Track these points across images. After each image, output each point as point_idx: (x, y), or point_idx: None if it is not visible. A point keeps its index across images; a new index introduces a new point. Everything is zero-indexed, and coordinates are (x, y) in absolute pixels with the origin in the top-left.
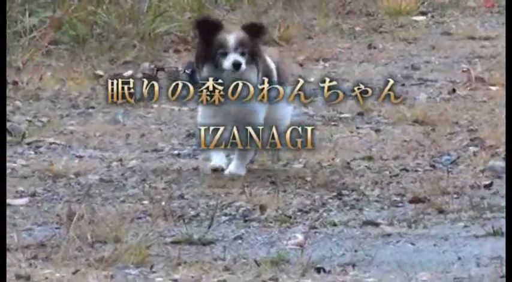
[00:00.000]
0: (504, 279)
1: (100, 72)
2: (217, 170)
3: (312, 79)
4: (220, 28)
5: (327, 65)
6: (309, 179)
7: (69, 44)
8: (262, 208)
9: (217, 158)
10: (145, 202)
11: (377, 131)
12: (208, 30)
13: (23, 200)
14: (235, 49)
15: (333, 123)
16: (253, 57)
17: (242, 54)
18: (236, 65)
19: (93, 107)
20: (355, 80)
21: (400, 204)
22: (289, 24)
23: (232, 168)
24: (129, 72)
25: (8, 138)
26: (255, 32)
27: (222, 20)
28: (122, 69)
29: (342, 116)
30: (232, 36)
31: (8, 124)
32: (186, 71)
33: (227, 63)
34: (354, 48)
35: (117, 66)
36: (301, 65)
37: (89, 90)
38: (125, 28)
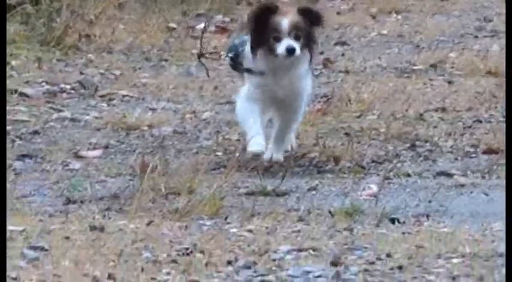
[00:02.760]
0: None
1: (173, 25)
2: (257, 155)
3: (385, 31)
4: (275, 11)
5: (399, 17)
6: (382, 130)
7: None
8: (336, 159)
9: (256, 142)
10: (219, 153)
11: (450, 82)
12: (262, 13)
13: (97, 152)
14: (290, 33)
15: (406, 75)
16: (308, 41)
17: (296, 38)
18: (290, 50)
19: (166, 60)
20: (428, 32)
21: (474, 155)
22: None
23: (272, 153)
24: (202, 25)
25: (82, 90)
26: (311, 17)
27: (277, 1)
28: (194, 22)
29: (416, 67)
30: (286, 20)
31: (81, 77)
32: (229, 54)
33: (281, 48)
34: (426, 0)
35: (189, 18)
36: (373, 17)
37: (161, 43)
38: None
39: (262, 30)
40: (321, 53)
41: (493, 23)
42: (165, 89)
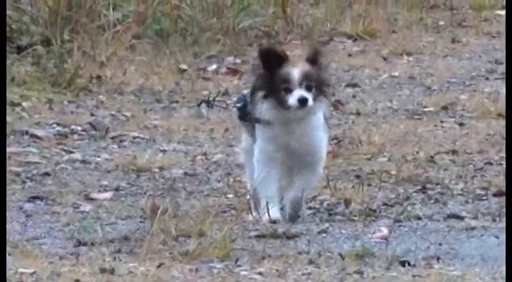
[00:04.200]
0: None
1: (184, 67)
2: (275, 223)
3: (396, 73)
4: (285, 61)
5: (410, 59)
6: (393, 172)
7: (152, 38)
8: (347, 202)
9: (274, 211)
10: (230, 196)
11: (461, 124)
12: (272, 62)
13: (107, 194)
14: (301, 84)
15: (417, 117)
16: (321, 89)
17: (308, 88)
18: (302, 101)
19: (176, 101)
20: (439, 74)
21: (484, 198)
22: (373, 18)
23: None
24: (213, 67)
25: (93, 132)
26: (319, 64)
27: (286, 51)
28: (205, 64)
29: (427, 109)
30: (297, 70)
31: (92, 118)
32: (237, 105)
33: (292, 99)
34: (438, 42)
35: (201, 60)
36: (385, 59)
37: (172, 85)
38: (209, 22)
39: (271, 79)
40: (332, 94)
41: (503, 65)
42: (176, 131)
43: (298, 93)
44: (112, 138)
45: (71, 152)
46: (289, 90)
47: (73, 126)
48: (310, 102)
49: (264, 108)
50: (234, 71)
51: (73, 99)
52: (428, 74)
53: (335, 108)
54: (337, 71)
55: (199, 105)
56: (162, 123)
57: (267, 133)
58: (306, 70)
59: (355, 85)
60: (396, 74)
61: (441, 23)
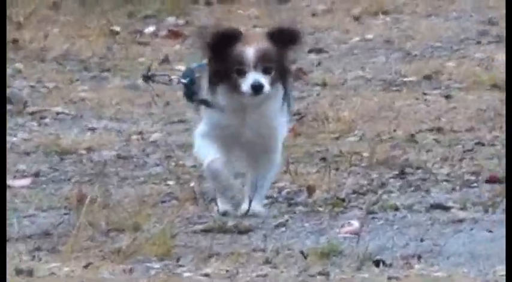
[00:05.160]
0: None
1: (116, 29)
2: (227, 214)
3: (370, 36)
4: (238, 38)
5: (387, 19)
6: (365, 154)
7: None
8: (310, 189)
9: (224, 201)
10: (171, 183)
11: (447, 97)
12: (223, 41)
13: (25, 181)
14: (256, 66)
15: (395, 88)
16: (281, 74)
17: (265, 71)
18: (256, 87)
19: (108, 70)
20: (421, 37)
21: (474, 185)
22: None
23: (251, 206)
24: (151, 29)
25: (8, 107)
26: (285, 40)
27: (238, 28)
28: (142, 25)
29: (406, 79)
30: (252, 49)
31: (7, 91)
32: (182, 80)
33: (245, 84)
34: None
35: (136, 20)
36: (356, 19)
37: (103, 50)
38: None
39: (222, 60)
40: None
41: (498, 26)
42: (107, 105)
43: (253, 77)
44: (31, 114)
45: None
46: (242, 73)
47: None
48: (267, 88)
49: (215, 91)
50: (175, 34)
51: None
52: (408, 37)
53: (297, 78)
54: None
55: (145, 80)
56: (91, 95)
57: (215, 118)
58: (264, 49)
59: (320, 50)
60: (370, 36)
61: None
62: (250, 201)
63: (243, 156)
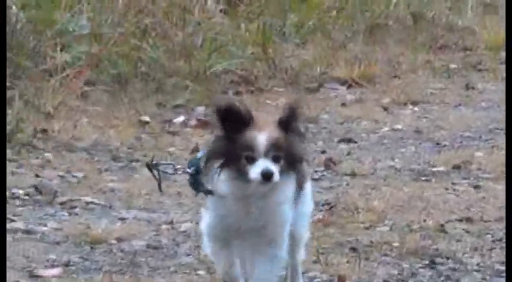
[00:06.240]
0: None
1: (146, 118)
2: None
3: (399, 126)
4: (250, 123)
5: (416, 109)
6: (396, 244)
7: (109, 85)
8: (341, 279)
9: None
10: (201, 272)
11: (476, 187)
12: (233, 123)
13: (56, 271)
14: (267, 154)
15: (424, 178)
16: (291, 162)
17: (275, 160)
18: (266, 175)
19: (137, 160)
20: (450, 127)
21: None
22: (372, 61)
23: None
24: (181, 119)
25: (37, 197)
26: (294, 130)
27: (252, 112)
28: (171, 115)
29: (435, 169)
30: (263, 136)
31: (36, 180)
32: (188, 170)
33: (255, 171)
34: (449, 89)
35: (165, 110)
36: (385, 109)
37: (132, 140)
38: (175, 65)
39: (231, 143)
40: (323, 152)
41: None
42: (137, 195)
43: (263, 164)
44: (61, 204)
45: (12, 221)
46: (251, 160)
47: (14, 190)
48: (276, 177)
49: (219, 179)
50: (205, 124)
51: (14, 158)
52: (437, 127)
53: (326, 167)
54: (328, 124)
55: (149, 168)
56: (120, 185)
57: (220, 209)
58: (275, 137)
59: (350, 140)
60: (399, 127)
61: (452, 66)
62: None
63: (243, 248)
